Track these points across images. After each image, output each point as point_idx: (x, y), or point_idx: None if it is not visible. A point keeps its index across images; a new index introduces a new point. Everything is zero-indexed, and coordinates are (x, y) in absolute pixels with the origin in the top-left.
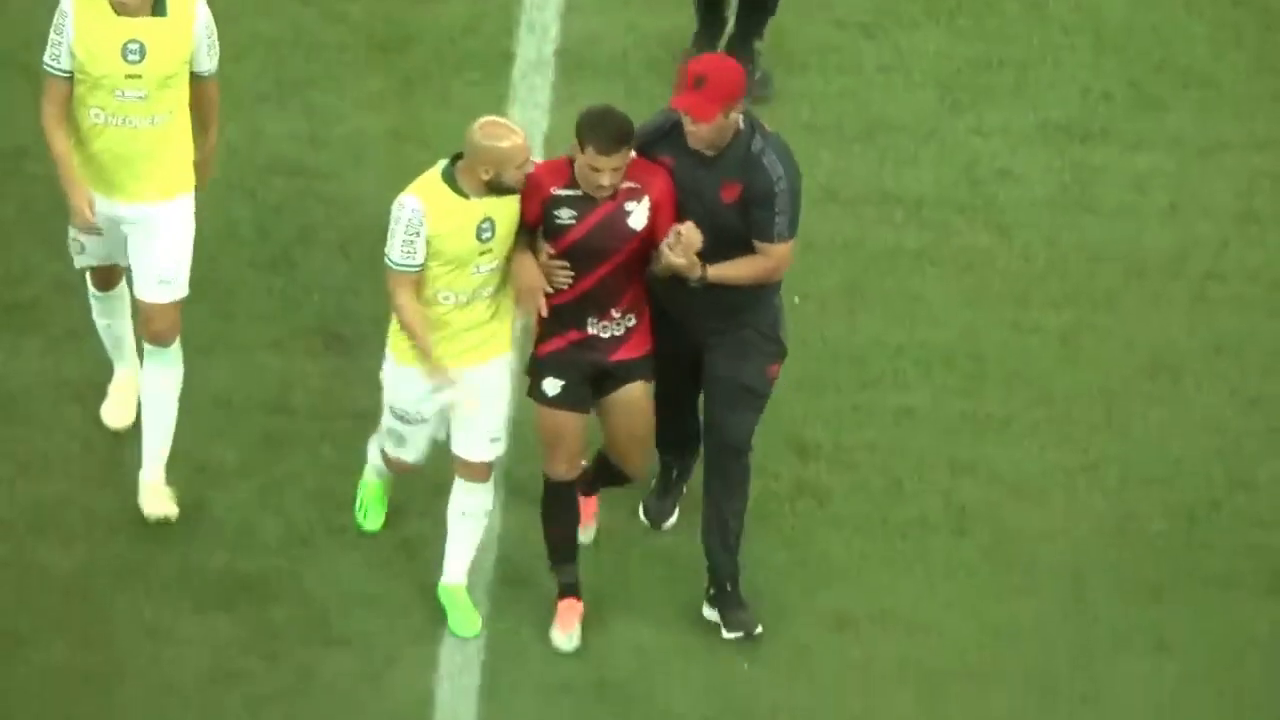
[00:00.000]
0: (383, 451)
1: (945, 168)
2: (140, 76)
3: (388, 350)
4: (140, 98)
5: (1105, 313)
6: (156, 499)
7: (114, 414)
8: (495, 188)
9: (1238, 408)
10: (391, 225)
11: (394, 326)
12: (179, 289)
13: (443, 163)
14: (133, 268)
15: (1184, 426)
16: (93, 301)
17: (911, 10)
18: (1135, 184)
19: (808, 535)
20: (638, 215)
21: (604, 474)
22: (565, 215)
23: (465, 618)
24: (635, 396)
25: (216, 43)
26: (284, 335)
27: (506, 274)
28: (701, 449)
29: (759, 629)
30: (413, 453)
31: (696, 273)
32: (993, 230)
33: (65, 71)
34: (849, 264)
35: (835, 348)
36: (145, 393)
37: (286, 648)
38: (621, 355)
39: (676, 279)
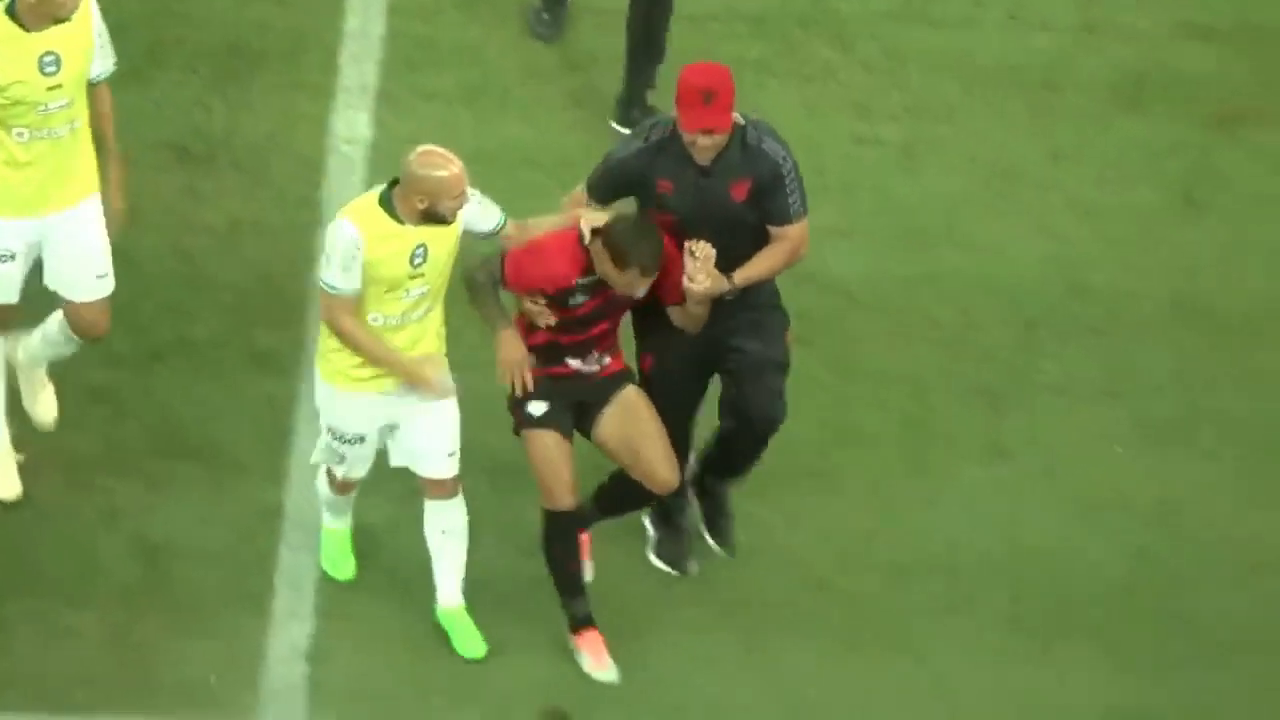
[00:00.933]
0: (328, 473)
1: None
2: (61, 85)
3: (319, 376)
4: (63, 106)
5: (945, 123)
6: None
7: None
8: (430, 217)
9: (1075, 216)
10: (327, 249)
11: (325, 350)
12: (112, 280)
13: (380, 188)
14: (60, 276)
15: (1022, 235)
16: None
17: None
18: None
19: None
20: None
21: (626, 497)
22: (579, 299)
23: (468, 639)
24: (629, 397)
25: (109, 43)
26: (136, 150)
27: (439, 296)
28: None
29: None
30: (359, 468)
31: (725, 286)
32: (833, 42)
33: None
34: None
35: None
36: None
37: (137, 460)
38: (602, 376)
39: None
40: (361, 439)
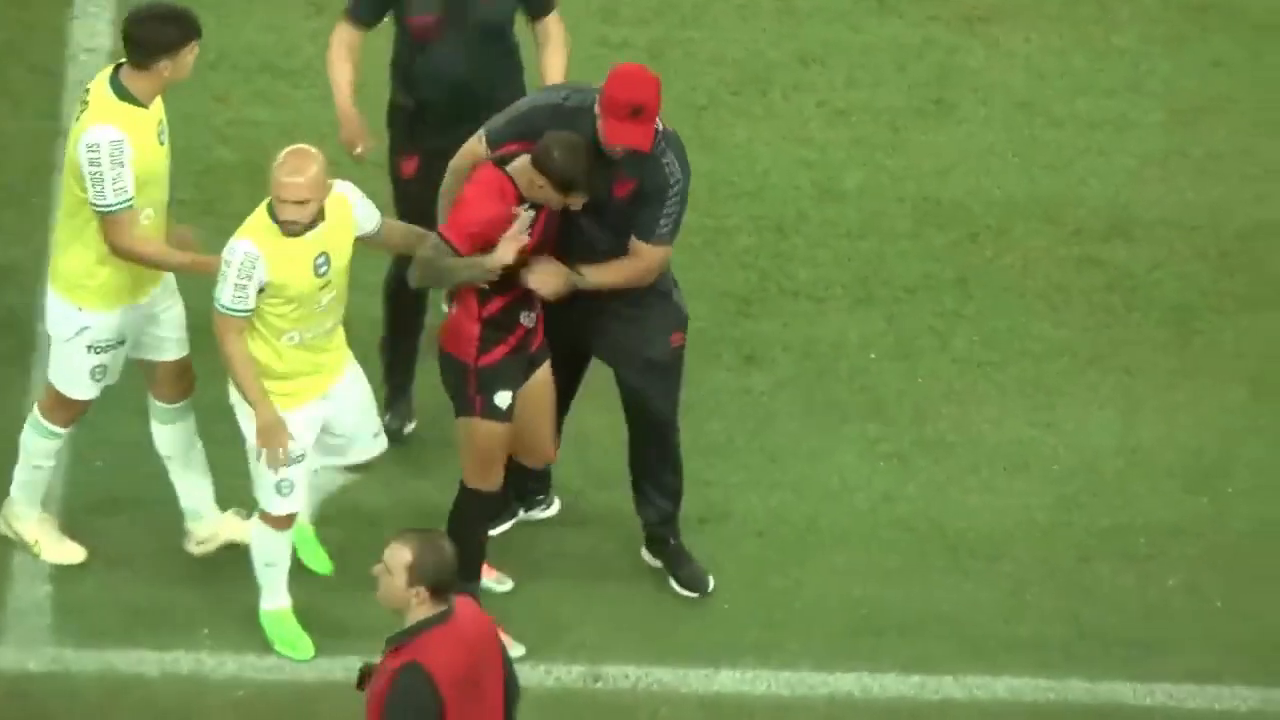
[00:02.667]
0: (267, 521)
1: None
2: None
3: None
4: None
5: (692, 26)
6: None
7: (70, 549)
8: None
9: (824, 119)
10: (222, 269)
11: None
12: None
13: (267, 203)
14: (153, 346)
15: (771, 139)
16: (46, 442)
17: None
18: None
19: None
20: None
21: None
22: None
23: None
24: (548, 374)
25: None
26: None
27: (344, 302)
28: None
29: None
30: (298, 495)
31: (571, 281)
32: None
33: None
34: None
35: None
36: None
37: None
38: (538, 342)
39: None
40: (304, 454)
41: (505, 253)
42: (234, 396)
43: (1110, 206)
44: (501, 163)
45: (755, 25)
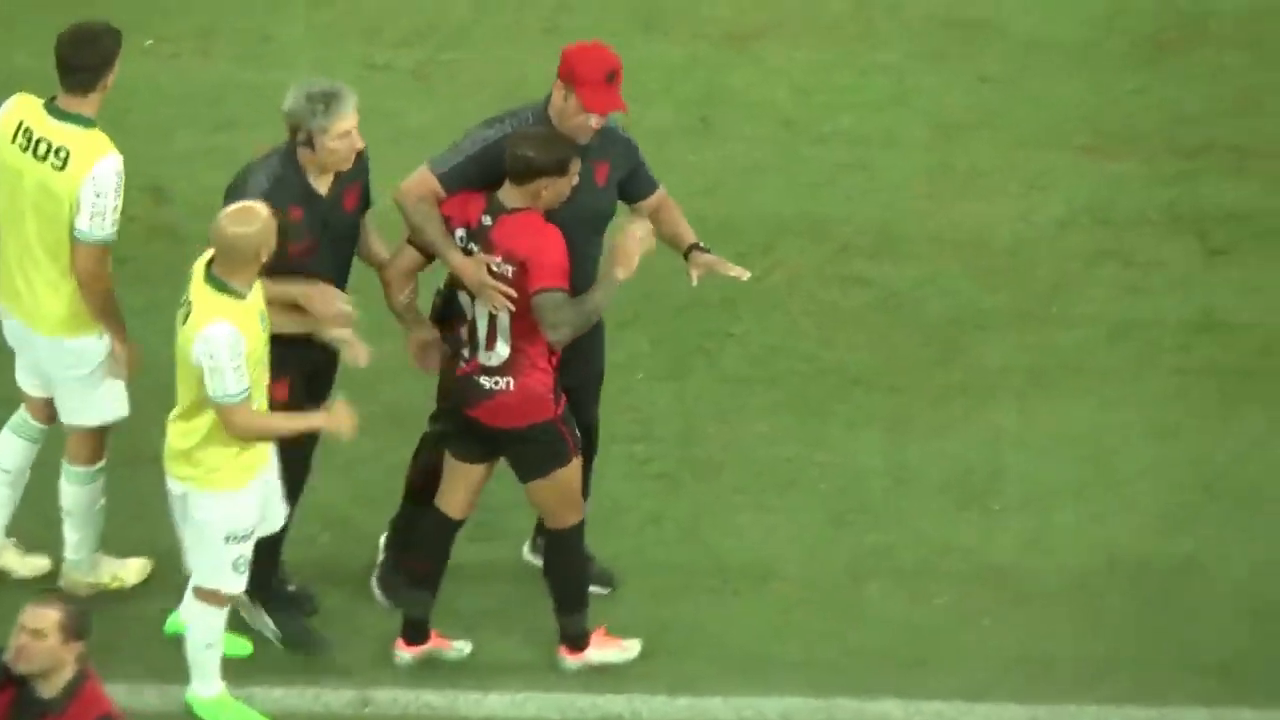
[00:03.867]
0: (211, 614)
1: None
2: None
3: (217, 489)
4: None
5: (457, 48)
6: None
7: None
8: (271, 269)
9: None
10: (210, 363)
11: (217, 463)
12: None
13: (204, 280)
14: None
15: None
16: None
17: None
18: None
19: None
20: None
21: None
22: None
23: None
24: None
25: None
26: None
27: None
28: None
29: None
30: (248, 570)
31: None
32: None
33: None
34: (204, 9)
35: (189, 88)
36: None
37: None
38: None
39: None
40: (256, 521)
41: (633, 263)
42: (179, 488)
43: (876, 223)
44: (497, 205)
45: (521, 46)
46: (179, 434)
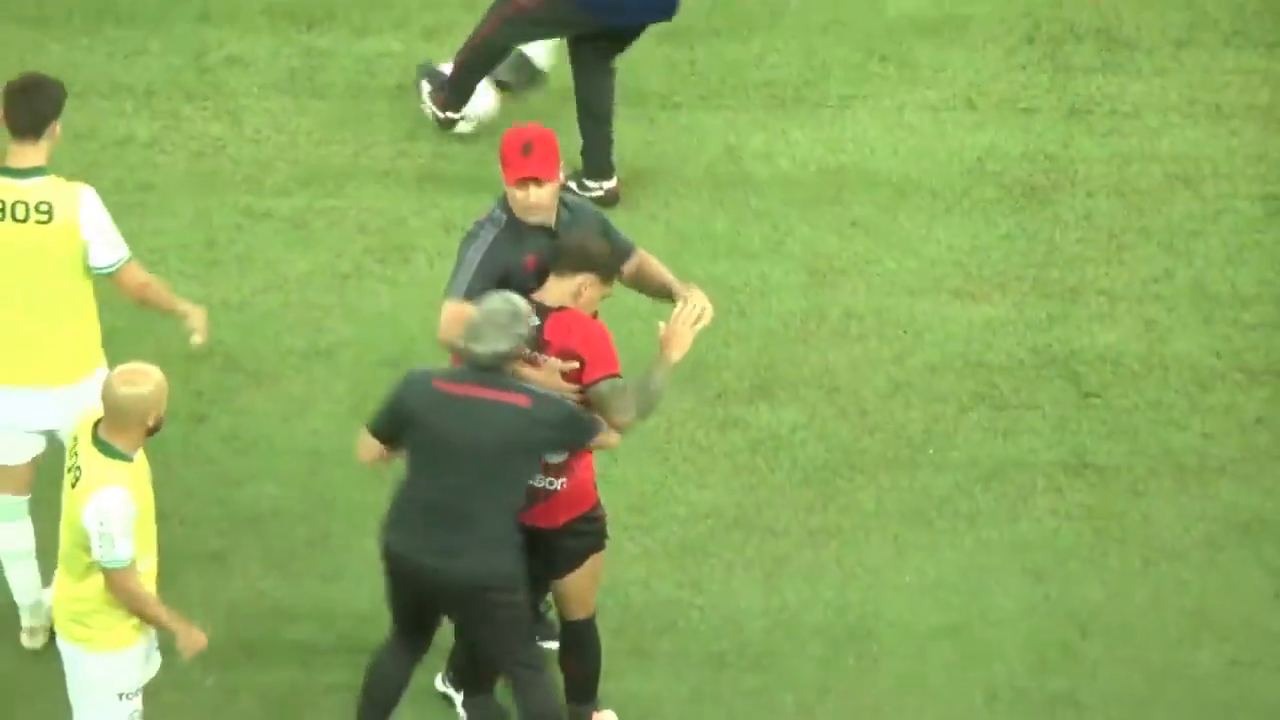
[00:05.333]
0: None
1: (173, 56)
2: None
3: (109, 649)
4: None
5: (335, 196)
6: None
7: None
8: (155, 429)
9: None
10: (100, 529)
11: (116, 618)
12: None
13: (91, 444)
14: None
15: (416, 306)
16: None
17: None
18: (363, 67)
19: None
20: None
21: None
22: None
23: None
24: None
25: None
26: None
27: None
28: None
29: None
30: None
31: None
32: (223, 117)
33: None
34: (84, 155)
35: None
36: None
37: None
38: None
39: None
40: (142, 681)
41: (687, 342)
42: (69, 649)
43: (753, 368)
44: (538, 306)
45: (398, 193)
46: (71, 598)
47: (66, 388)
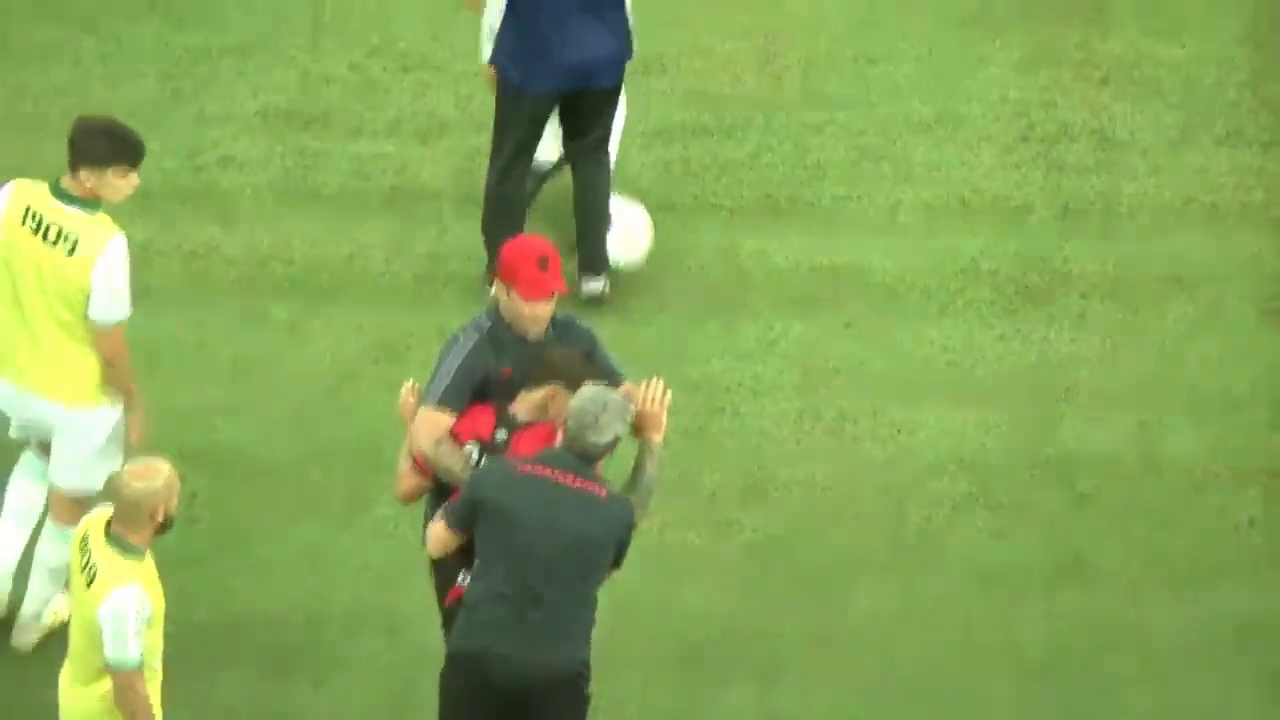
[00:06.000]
0: None
1: (168, 157)
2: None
3: None
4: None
5: (330, 300)
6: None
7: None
8: (165, 526)
9: None
10: (114, 626)
11: None
12: None
13: (105, 542)
14: None
15: None
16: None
17: (131, 2)
18: (357, 169)
19: None
20: None
21: None
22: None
23: None
24: None
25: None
26: None
27: None
28: None
29: None
30: None
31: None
32: (216, 219)
33: None
34: None
35: None
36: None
37: None
38: None
39: None
40: None
41: (662, 420)
42: None
43: (746, 470)
44: (509, 419)
45: (393, 298)
46: (81, 697)
47: (73, 411)
